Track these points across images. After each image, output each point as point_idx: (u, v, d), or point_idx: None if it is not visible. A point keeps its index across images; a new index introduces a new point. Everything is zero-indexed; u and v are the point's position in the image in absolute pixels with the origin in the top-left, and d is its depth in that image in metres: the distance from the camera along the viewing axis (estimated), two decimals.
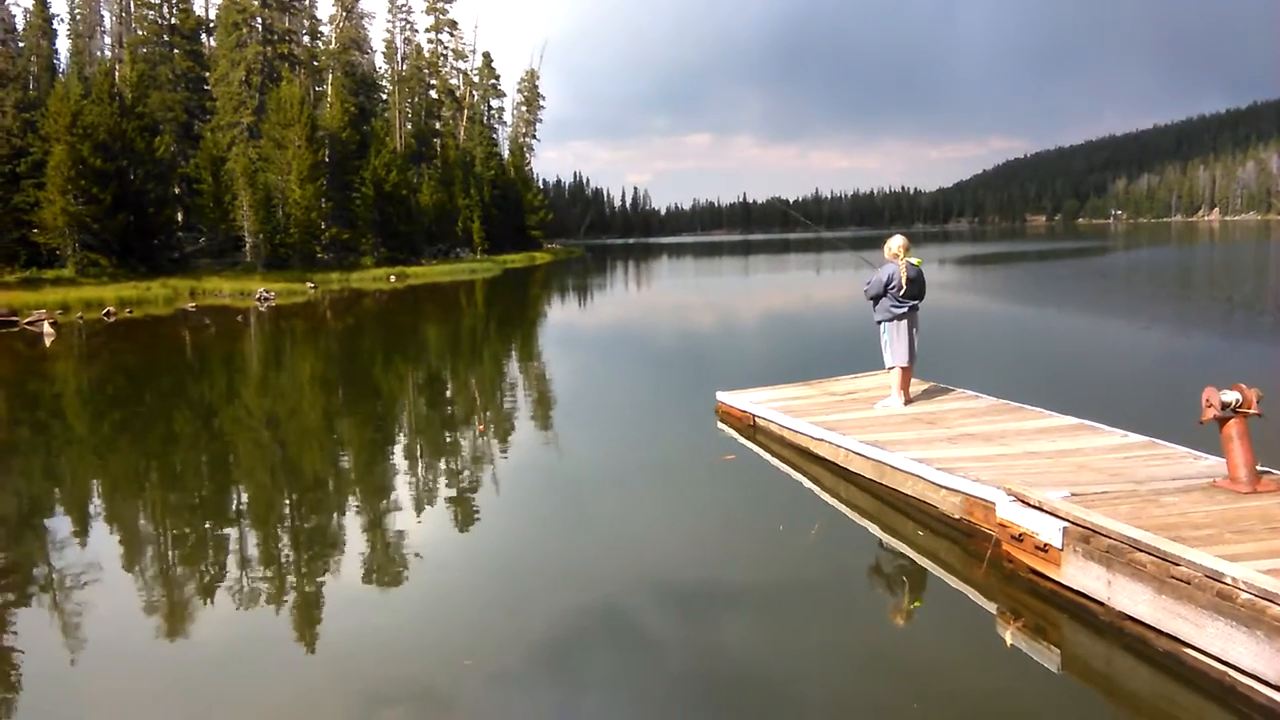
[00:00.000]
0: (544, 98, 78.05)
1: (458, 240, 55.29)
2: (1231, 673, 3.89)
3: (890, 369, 8.63)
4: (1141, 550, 4.37)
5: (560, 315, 27.16)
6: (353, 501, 7.80)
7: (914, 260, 8.39)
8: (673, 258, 73.83)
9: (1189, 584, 4.06)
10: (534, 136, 78.20)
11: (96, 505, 8.10)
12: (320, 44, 52.54)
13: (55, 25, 45.87)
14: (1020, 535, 5.12)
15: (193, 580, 5.96)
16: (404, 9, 59.27)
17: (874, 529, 6.30)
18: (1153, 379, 12.02)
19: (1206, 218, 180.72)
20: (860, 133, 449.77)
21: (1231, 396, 5.19)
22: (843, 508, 6.74)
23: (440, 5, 62.76)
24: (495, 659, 4.58)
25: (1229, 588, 3.90)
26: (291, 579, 5.93)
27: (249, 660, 4.75)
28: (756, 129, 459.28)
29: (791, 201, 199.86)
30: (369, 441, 10.16)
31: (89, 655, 4.87)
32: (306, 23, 51.23)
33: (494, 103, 72.95)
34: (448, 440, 10.01)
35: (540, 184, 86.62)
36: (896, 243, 8.41)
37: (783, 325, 22.27)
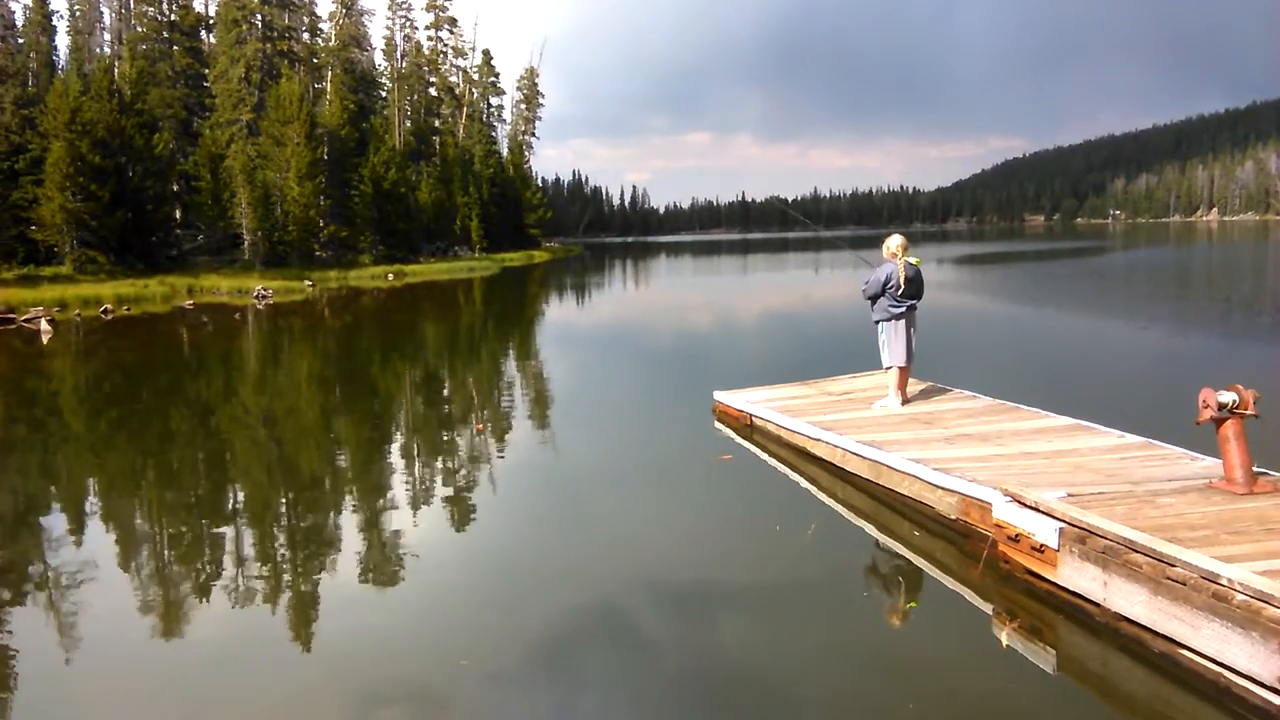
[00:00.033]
0: (543, 96, 78.16)
1: (456, 238, 55.25)
2: (1227, 674, 3.89)
3: (888, 369, 8.63)
4: (1137, 551, 4.37)
5: (558, 314, 27.16)
6: (349, 500, 7.79)
7: (912, 260, 8.38)
8: (671, 256, 73.82)
9: (1185, 585, 4.07)
10: (533, 135, 78.29)
11: (93, 503, 8.08)
12: (320, 41, 52.48)
13: (55, 21, 45.89)
14: (1016, 536, 5.13)
15: (189, 579, 5.95)
16: (404, 6, 59.25)
17: (870, 529, 6.30)
18: (1150, 380, 12.03)
19: (1205, 218, 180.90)
20: (860, 132, 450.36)
21: (1228, 397, 5.19)
22: (839, 508, 6.74)
23: (440, 3, 62.77)
24: (492, 659, 4.57)
25: (1225, 589, 3.90)
26: (288, 578, 5.92)
27: (245, 659, 4.74)
28: (756, 128, 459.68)
29: (790, 200, 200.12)
30: (366, 440, 10.15)
31: (85, 654, 4.86)
32: (306, 19, 51.20)
33: (493, 101, 72.99)
34: (445, 439, 10.00)
35: (539, 182, 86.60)
36: (895, 242, 8.40)
37: (780, 325, 22.27)
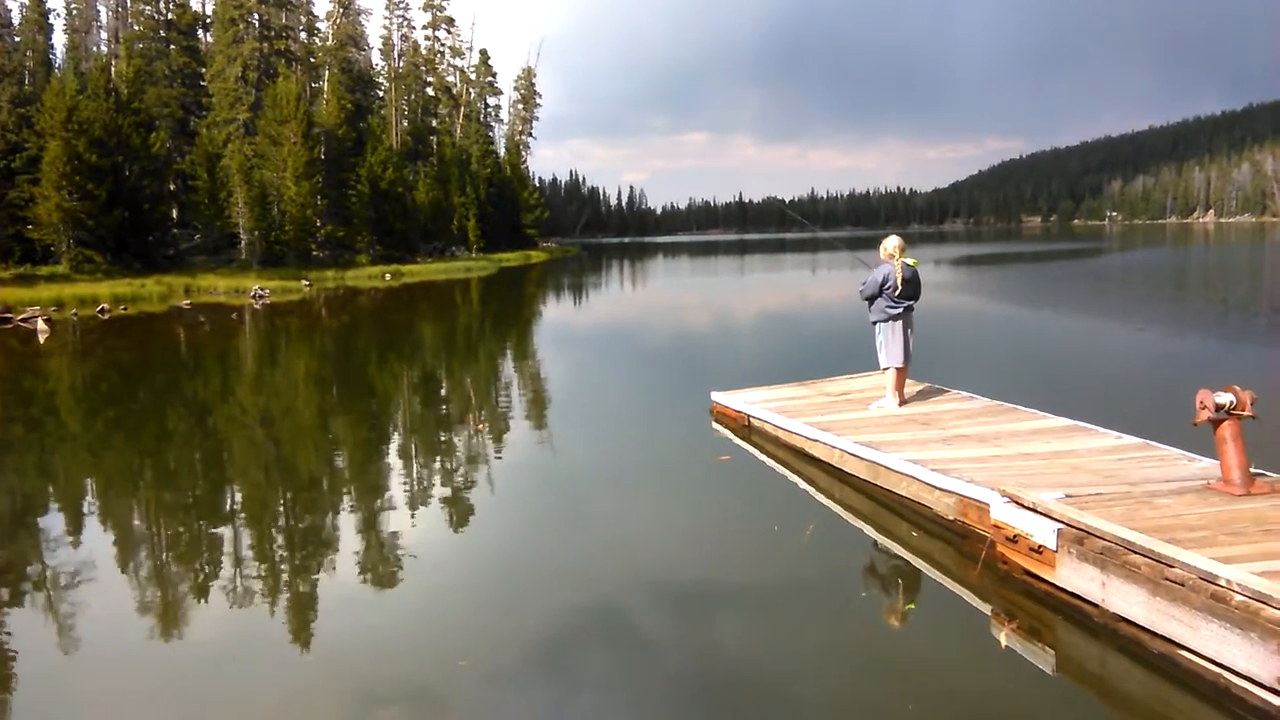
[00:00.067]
0: (541, 95, 78.01)
1: (453, 238, 55.19)
2: (1226, 675, 3.90)
3: (885, 370, 8.63)
4: (1136, 552, 4.38)
5: (555, 314, 27.15)
6: (347, 500, 7.78)
7: (909, 261, 8.39)
8: (668, 257, 73.81)
9: (1183, 586, 4.07)
10: (530, 134, 78.14)
11: (90, 503, 8.07)
12: (317, 40, 52.44)
13: (51, 20, 45.94)
14: (1015, 537, 5.13)
15: (187, 579, 5.94)
16: (401, 6, 59.16)
17: (868, 530, 6.30)
18: (1147, 381, 12.05)
19: (1201, 220, 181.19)
20: (859, 132, 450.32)
21: (1225, 398, 5.20)
22: (837, 508, 6.74)
23: (437, 2, 62.74)
24: (490, 659, 4.57)
25: (1223, 590, 3.91)
26: (286, 578, 5.92)
27: (243, 660, 4.74)
28: (754, 128, 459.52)
29: (788, 201, 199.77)
30: (364, 440, 10.14)
31: (82, 654, 4.85)
32: (304, 19, 51.12)
33: (490, 100, 72.91)
34: (442, 439, 9.99)
35: (536, 182, 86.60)
36: (892, 243, 8.41)
37: (778, 325, 22.28)
